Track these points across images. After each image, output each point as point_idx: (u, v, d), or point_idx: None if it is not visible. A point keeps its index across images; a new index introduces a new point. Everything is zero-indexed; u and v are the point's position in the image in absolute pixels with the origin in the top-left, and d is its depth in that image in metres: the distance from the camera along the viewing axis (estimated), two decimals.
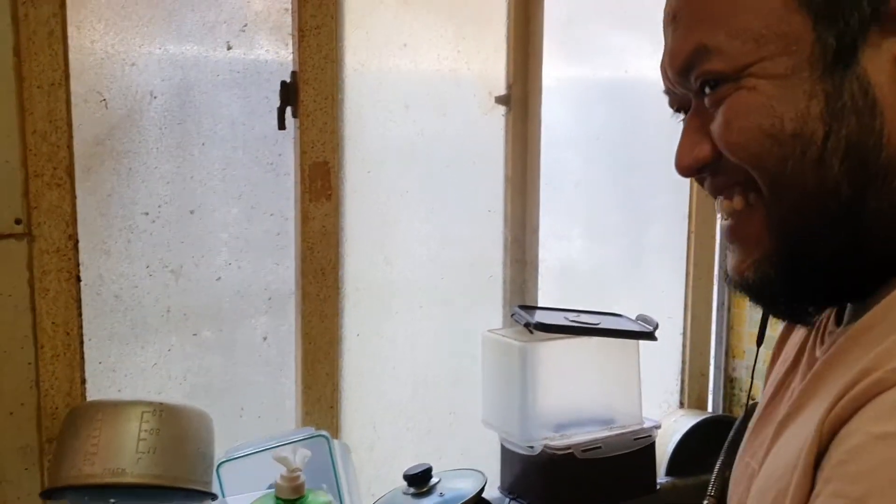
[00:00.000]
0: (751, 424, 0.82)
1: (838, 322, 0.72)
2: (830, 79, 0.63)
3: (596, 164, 2.23)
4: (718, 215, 0.73)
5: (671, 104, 0.76)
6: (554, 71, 2.04)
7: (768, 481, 0.67)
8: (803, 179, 0.64)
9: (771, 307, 0.73)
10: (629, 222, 2.32)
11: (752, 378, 0.88)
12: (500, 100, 1.99)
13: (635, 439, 1.93)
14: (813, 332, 0.76)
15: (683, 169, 0.72)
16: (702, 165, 0.70)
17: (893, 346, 0.57)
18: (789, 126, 0.64)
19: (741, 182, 0.68)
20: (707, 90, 0.68)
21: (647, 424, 1.96)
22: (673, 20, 0.70)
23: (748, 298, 0.72)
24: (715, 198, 0.73)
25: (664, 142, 2.32)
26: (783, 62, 0.64)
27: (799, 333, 0.81)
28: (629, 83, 2.23)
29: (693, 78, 0.69)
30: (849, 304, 0.71)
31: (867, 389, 0.56)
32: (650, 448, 1.95)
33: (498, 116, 2.01)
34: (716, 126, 0.67)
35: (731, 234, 0.71)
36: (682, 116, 0.74)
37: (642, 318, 2.00)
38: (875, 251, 0.65)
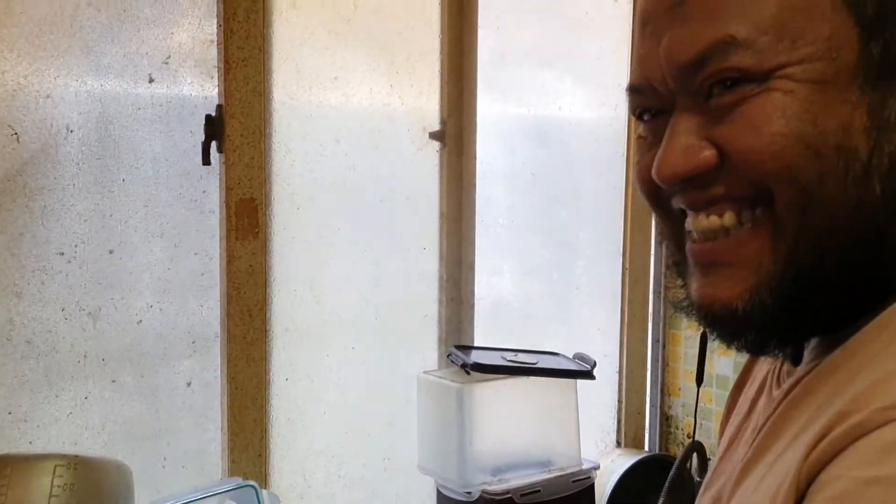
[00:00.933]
0: (709, 469, 0.78)
1: (795, 361, 0.68)
2: (873, 92, 0.58)
3: (526, 201, 2.22)
4: (692, 233, 0.65)
5: (638, 103, 0.67)
6: (483, 108, 2.03)
7: None
8: (842, 198, 0.58)
9: (747, 340, 0.64)
10: (560, 260, 2.31)
11: (696, 417, 0.84)
12: (435, 135, 1.96)
13: (574, 481, 1.89)
14: (769, 374, 0.73)
15: (672, 177, 0.62)
16: (699, 173, 0.61)
17: (872, 387, 0.54)
18: (832, 138, 0.58)
19: (742, 196, 0.61)
20: (717, 89, 0.60)
21: (585, 465, 1.93)
22: (680, 4, 0.61)
23: (715, 331, 0.65)
24: (695, 212, 0.64)
25: (595, 179, 2.35)
26: (821, 67, 0.58)
27: (759, 379, 0.77)
28: (558, 121, 2.23)
29: (705, 73, 0.60)
30: (808, 343, 0.67)
31: (848, 432, 0.52)
32: (590, 490, 1.92)
33: (432, 152, 1.98)
34: (733, 130, 0.60)
35: (715, 256, 0.63)
36: (647, 122, 0.67)
37: (579, 357, 1.98)
38: (877, 285, 0.60)
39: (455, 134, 1.98)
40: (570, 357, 1.99)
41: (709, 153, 0.61)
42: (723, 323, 0.64)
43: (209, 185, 1.70)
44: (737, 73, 0.59)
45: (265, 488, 1.70)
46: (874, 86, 0.58)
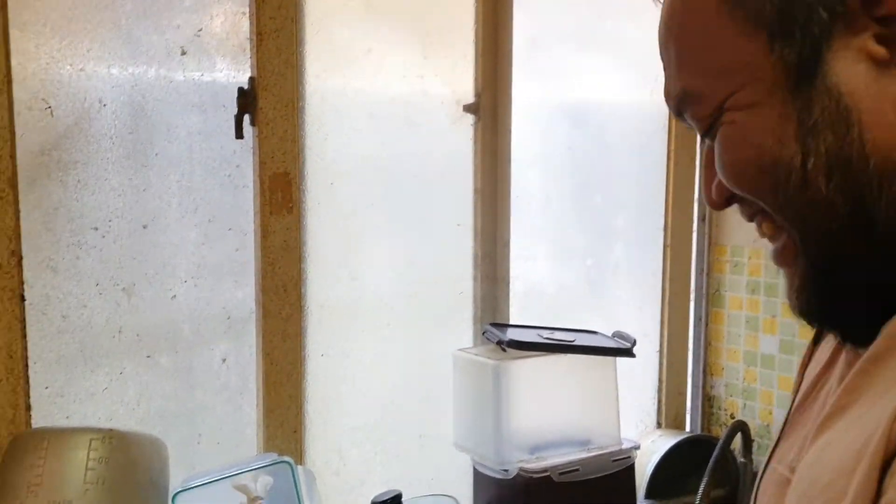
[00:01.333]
0: (783, 422, 0.78)
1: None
2: (799, 97, 0.61)
3: (563, 183, 2.19)
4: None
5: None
6: (519, 90, 1.99)
7: (813, 487, 0.61)
8: (798, 204, 0.62)
9: (831, 331, 0.70)
10: (598, 241, 2.27)
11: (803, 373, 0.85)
12: (469, 108, 1.93)
13: (614, 461, 1.86)
14: None
15: (712, 205, 0.71)
16: (725, 199, 0.69)
17: None
18: (768, 154, 0.62)
19: (760, 209, 0.67)
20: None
21: (625, 445, 1.89)
22: (662, 59, 0.69)
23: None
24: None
25: (632, 158, 2.31)
26: (751, 90, 0.62)
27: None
28: (594, 104, 2.20)
29: (687, 120, 0.69)
30: None
31: None
32: (630, 470, 1.88)
33: (466, 126, 1.95)
34: (715, 163, 0.67)
35: (777, 260, 0.69)
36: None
37: (619, 335, 1.94)
38: None
39: (490, 107, 1.94)
40: (609, 335, 1.95)
41: (721, 183, 0.68)
42: (801, 318, 0.69)
43: (242, 159, 1.68)
44: (702, 120, 0.66)
45: (300, 465, 1.69)
46: (798, 92, 0.61)
